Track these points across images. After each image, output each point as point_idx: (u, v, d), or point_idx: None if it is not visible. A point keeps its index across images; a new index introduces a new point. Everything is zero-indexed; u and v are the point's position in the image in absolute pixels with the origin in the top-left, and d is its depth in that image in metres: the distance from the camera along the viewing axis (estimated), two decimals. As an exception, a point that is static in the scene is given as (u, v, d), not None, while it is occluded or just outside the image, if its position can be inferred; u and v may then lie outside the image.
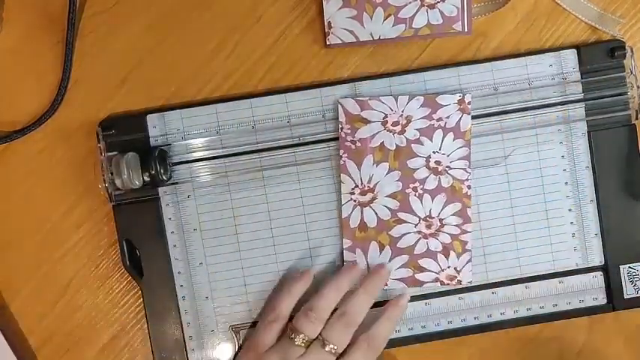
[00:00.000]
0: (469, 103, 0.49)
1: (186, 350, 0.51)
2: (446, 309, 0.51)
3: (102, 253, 0.52)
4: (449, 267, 0.50)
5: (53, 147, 0.51)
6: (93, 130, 0.51)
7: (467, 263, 0.50)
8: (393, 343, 0.51)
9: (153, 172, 0.48)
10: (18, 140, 0.51)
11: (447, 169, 0.50)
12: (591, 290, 0.51)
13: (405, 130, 0.49)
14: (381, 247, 0.50)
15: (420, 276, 0.50)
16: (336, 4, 0.50)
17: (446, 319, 0.51)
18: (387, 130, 0.49)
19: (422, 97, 0.49)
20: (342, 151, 0.50)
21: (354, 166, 0.50)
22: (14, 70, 0.51)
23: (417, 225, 0.50)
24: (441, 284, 0.50)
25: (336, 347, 0.46)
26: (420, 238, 0.50)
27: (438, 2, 0.49)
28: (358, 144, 0.50)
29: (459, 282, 0.50)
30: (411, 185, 0.50)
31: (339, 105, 0.50)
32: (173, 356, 0.51)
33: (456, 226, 0.50)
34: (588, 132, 0.50)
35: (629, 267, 0.51)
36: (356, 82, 0.50)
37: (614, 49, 0.50)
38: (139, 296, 0.51)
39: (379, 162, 0.50)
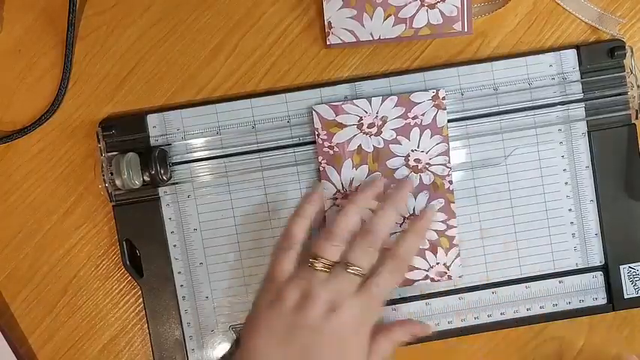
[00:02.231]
0: (443, 98, 0.49)
1: (186, 350, 0.51)
2: (446, 309, 0.51)
3: (102, 253, 0.52)
4: (437, 263, 0.50)
5: (53, 147, 0.51)
6: (93, 130, 0.51)
7: (455, 258, 0.50)
8: (393, 343, 0.51)
9: (153, 172, 0.48)
10: (18, 140, 0.51)
11: (426, 166, 0.50)
12: (591, 290, 0.51)
13: (382, 132, 0.49)
14: None
15: (409, 274, 0.50)
16: (336, 4, 0.50)
17: (446, 319, 0.51)
18: (364, 133, 0.49)
19: (396, 97, 0.49)
20: (320, 158, 0.50)
21: (333, 171, 0.50)
22: (14, 70, 0.51)
23: (402, 224, 0.50)
24: (431, 281, 0.50)
25: (360, 269, 0.43)
26: None
27: (438, 2, 0.49)
28: (336, 149, 0.49)
29: (449, 277, 0.50)
30: (393, 185, 0.50)
31: (314, 111, 0.49)
32: (173, 356, 0.51)
33: (441, 222, 0.50)
34: (588, 132, 0.50)
35: (629, 267, 0.51)
36: (356, 82, 0.50)
37: (614, 49, 0.50)
38: (139, 296, 0.51)
39: (358, 165, 0.50)
